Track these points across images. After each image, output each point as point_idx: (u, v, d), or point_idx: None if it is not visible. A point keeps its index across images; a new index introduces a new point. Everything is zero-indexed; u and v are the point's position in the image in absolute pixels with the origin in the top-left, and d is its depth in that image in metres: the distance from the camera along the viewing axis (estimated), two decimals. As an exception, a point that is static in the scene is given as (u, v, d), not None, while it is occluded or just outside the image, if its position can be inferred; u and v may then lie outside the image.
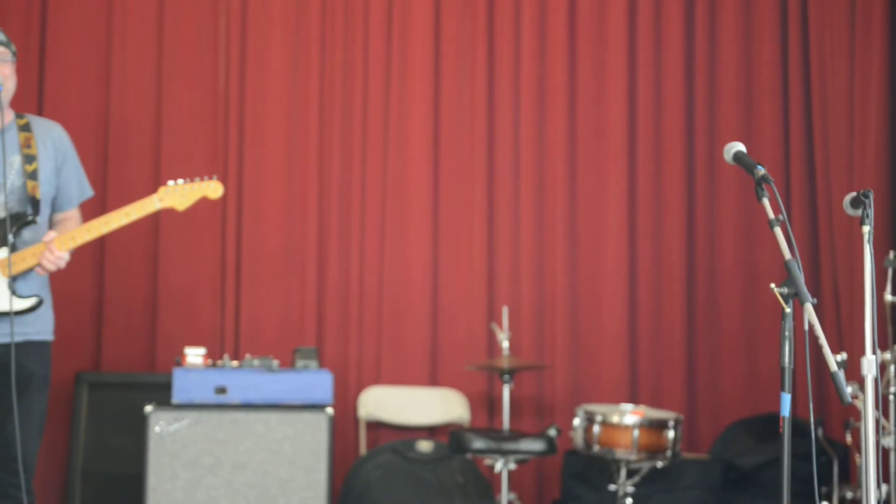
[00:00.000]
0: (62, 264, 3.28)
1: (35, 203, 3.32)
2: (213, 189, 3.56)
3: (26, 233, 3.32)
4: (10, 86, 3.31)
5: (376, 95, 5.29)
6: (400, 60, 5.31)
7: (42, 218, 3.38)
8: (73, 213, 3.50)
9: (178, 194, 3.49)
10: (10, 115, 3.38)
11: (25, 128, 3.36)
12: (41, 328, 3.37)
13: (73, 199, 3.49)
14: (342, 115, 5.27)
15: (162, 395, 4.45)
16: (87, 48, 5.16)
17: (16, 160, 3.31)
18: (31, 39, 5.08)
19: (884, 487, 4.03)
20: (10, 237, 3.25)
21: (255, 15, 5.25)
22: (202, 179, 3.54)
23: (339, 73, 5.27)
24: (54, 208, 3.46)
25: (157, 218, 5.10)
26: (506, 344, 4.77)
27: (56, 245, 3.25)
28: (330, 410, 4.38)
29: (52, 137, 3.42)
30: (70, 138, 3.50)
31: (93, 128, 5.11)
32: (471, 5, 5.35)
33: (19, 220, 3.28)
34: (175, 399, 4.34)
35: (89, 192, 3.56)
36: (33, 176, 3.31)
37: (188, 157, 5.14)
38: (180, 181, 3.52)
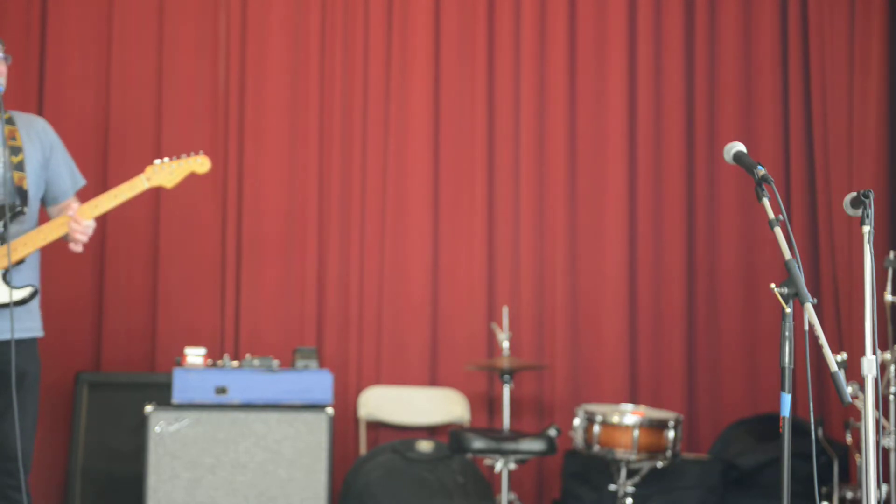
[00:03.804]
0: (90, 232, 3.27)
1: (23, 194, 3.28)
2: (199, 164, 3.50)
3: (14, 226, 3.27)
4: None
5: (376, 95, 5.29)
6: (400, 60, 5.31)
7: (31, 210, 3.34)
8: (72, 203, 3.45)
9: (165, 172, 3.44)
10: None
11: (9, 121, 3.32)
12: (29, 325, 3.31)
13: (68, 190, 3.46)
14: (342, 114, 5.27)
15: (162, 395, 4.45)
16: (87, 48, 5.16)
17: (1, 153, 3.28)
18: (31, 39, 5.08)
19: (884, 487, 4.02)
20: (1, 228, 3.22)
21: (255, 15, 5.25)
22: (188, 156, 3.50)
23: (339, 73, 5.27)
24: (51, 201, 3.43)
25: (157, 218, 5.11)
26: (506, 344, 4.77)
27: (80, 215, 3.24)
28: (330, 410, 4.38)
29: (35, 130, 3.39)
30: (54, 130, 3.46)
31: (93, 128, 5.11)
32: (471, 5, 5.35)
33: (8, 211, 3.25)
34: (175, 399, 4.33)
35: (82, 181, 3.52)
36: (20, 167, 3.28)
37: (188, 157, 5.14)
38: (166, 159, 3.48)
